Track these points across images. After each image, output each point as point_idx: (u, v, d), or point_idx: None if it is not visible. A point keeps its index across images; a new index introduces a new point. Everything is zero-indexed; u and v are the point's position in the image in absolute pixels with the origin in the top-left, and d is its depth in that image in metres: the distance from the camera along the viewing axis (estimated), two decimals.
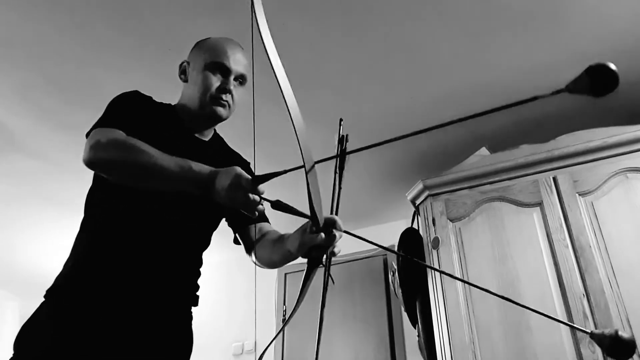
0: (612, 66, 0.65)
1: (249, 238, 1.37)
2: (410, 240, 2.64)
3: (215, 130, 1.43)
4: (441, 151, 2.89)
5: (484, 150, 2.58)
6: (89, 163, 1.06)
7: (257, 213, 1.01)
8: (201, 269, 1.35)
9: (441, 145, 2.86)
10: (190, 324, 1.29)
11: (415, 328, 2.58)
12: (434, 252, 2.39)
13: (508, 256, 2.24)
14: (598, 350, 1.92)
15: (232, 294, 3.87)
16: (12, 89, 2.41)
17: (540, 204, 2.29)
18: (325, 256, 1.02)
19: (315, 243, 1.00)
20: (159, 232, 1.19)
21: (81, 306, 1.10)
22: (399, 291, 2.65)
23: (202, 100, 1.28)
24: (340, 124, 0.99)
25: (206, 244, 1.36)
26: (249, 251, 1.38)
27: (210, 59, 1.29)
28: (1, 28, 2.11)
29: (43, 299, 1.15)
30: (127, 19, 2.08)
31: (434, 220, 2.46)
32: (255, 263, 1.33)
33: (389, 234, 3.47)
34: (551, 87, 2.65)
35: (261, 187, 0.98)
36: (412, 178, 2.81)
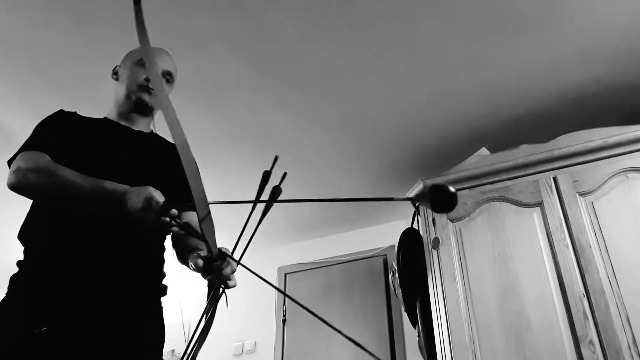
0: (451, 189, 0.72)
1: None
2: (410, 241, 2.64)
3: (152, 130, 1.51)
4: (441, 151, 2.89)
5: (484, 150, 2.58)
6: (10, 187, 1.16)
7: (170, 232, 1.08)
8: (164, 256, 1.36)
9: (441, 145, 2.86)
10: (161, 315, 1.29)
11: (415, 328, 2.58)
12: (434, 252, 2.39)
13: (508, 256, 2.24)
14: (598, 350, 1.93)
15: (232, 294, 3.87)
16: (12, 88, 2.41)
17: (540, 204, 2.29)
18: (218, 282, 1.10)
19: (203, 267, 1.06)
20: (111, 224, 1.19)
21: (39, 303, 1.10)
22: (399, 291, 2.65)
23: (130, 89, 1.41)
24: (274, 161, 1.01)
25: (162, 242, 1.37)
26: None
27: (138, 57, 1.43)
28: (1, 28, 2.11)
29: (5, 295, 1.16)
30: (127, 18, 2.07)
31: (434, 220, 2.46)
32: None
33: (389, 234, 3.48)
34: (552, 86, 2.64)
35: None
36: (412, 178, 2.81)
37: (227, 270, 1.07)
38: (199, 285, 4.00)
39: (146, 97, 1.40)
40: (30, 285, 1.14)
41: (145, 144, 1.40)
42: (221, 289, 1.08)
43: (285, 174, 1.01)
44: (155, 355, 1.24)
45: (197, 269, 1.08)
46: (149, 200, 1.02)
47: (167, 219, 1.02)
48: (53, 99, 2.40)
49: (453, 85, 2.46)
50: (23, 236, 1.24)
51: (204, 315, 1.04)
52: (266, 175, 1.01)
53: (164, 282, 1.33)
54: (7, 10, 2.03)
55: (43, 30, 2.12)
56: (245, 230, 1.04)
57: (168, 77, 1.45)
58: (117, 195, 1.06)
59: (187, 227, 1.06)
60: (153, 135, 1.49)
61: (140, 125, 1.44)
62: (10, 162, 1.27)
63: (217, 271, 1.06)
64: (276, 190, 1.02)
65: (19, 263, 1.20)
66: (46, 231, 1.20)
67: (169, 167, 1.36)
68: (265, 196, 1.01)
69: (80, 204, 1.13)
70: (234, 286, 1.10)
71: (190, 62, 2.22)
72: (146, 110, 1.42)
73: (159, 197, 1.03)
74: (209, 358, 3.68)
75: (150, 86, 1.38)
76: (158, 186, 1.10)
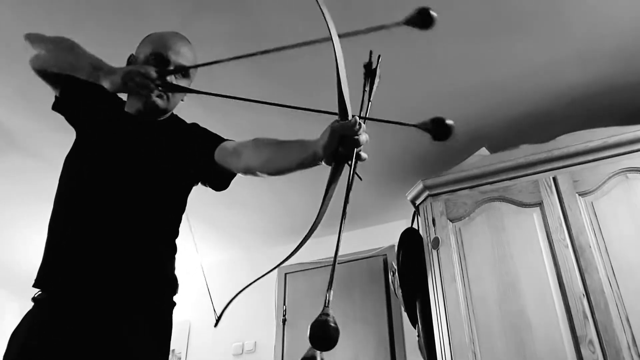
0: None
1: (229, 156, 1.27)
2: (410, 241, 2.64)
3: (172, 112, 1.42)
4: (441, 151, 2.89)
5: (484, 150, 2.58)
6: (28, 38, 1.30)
7: (153, 101, 1.08)
8: (175, 256, 1.30)
9: (441, 145, 2.85)
10: (170, 314, 1.23)
11: (415, 328, 2.58)
12: (434, 252, 2.39)
13: (508, 256, 2.24)
14: (598, 350, 1.93)
15: (232, 294, 3.87)
16: (12, 89, 2.41)
17: (540, 204, 2.29)
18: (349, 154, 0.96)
19: (347, 128, 0.93)
20: (119, 219, 1.17)
21: (49, 306, 1.10)
22: (399, 291, 2.65)
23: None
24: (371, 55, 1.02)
25: (173, 229, 1.31)
26: (237, 168, 1.27)
27: (151, 50, 1.31)
28: (1, 28, 2.11)
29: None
30: (127, 18, 2.08)
31: (434, 220, 2.46)
32: (251, 173, 1.23)
33: (389, 234, 3.47)
34: (552, 86, 2.64)
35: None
36: (412, 178, 2.81)
37: (363, 137, 0.93)
38: (198, 284, 4.00)
39: (158, 102, 1.28)
40: (44, 285, 1.14)
41: (156, 132, 1.33)
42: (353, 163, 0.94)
43: (378, 56, 1.02)
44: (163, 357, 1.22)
45: (333, 139, 0.93)
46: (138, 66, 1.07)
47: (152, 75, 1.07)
48: (53, 99, 2.40)
49: (453, 85, 2.46)
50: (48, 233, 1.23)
51: (327, 193, 0.93)
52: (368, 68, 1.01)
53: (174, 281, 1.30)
54: (6, 10, 2.03)
55: (43, 30, 2.11)
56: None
57: (183, 72, 1.32)
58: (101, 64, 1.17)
59: (174, 86, 1.11)
60: (170, 121, 1.40)
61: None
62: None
63: (353, 137, 0.92)
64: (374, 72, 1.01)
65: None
66: (59, 230, 1.19)
67: (187, 147, 1.31)
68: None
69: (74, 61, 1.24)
70: (365, 159, 0.96)
71: None
72: (158, 113, 1.33)
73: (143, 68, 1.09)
74: (209, 358, 3.69)
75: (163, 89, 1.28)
76: (175, 172, 1.14)
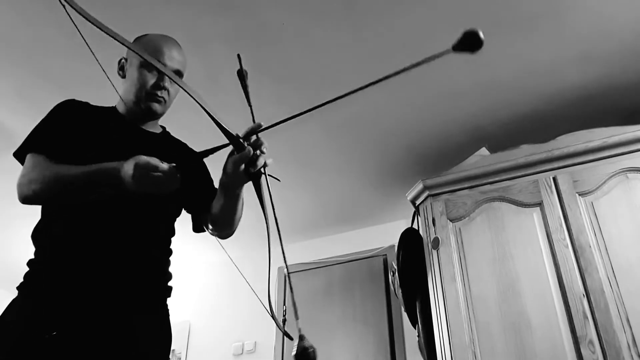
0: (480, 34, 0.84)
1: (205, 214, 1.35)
2: (410, 241, 2.64)
3: (164, 128, 1.46)
4: (441, 151, 2.89)
5: (484, 150, 2.58)
6: (22, 202, 1.18)
7: (178, 183, 1.03)
8: (170, 258, 1.33)
9: (441, 145, 2.86)
10: (166, 317, 1.25)
11: (415, 328, 2.58)
12: (434, 252, 2.39)
13: (508, 256, 2.24)
14: (598, 350, 1.93)
15: (232, 294, 3.87)
16: (12, 88, 2.41)
17: (540, 204, 2.29)
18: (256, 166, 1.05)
19: (244, 160, 1.02)
20: (115, 223, 1.18)
21: (43, 305, 1.10)
22: (399, 291, 2.65)
23: (138, 97, 1.31)
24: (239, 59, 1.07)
25: (168, 231, 1.34)
26: (206, 226, 1.36)
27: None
28: (1, 27, 2.11)
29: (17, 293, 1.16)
30: (127, 18, 2.08)
31: (434, 220, 2.46)
32: (215, 234, 1.35)
33: (389, 234, 3.47)
34: (552, 86, 2.64)
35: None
36: (412, 178, 2.81)
37: (261, 159, 1.03)
38: (199, 284, 3.99)
39: (155, 107, 1.31)
40: (39, 286, 1.14)
41: (157, 146, 1.35)
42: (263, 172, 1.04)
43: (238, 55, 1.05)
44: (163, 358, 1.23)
45: (236, 173, 1.03)
46: (138, 159, 1.01)
47: (164, 168, 1.01)
48: (53, 99, 2.39)
49: (453, 85, 2.46)
50: (35, 236, 1.22)
51: (263, 208, 1.02)
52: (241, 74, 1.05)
53: (170, 283, 1.32)
54: (7, 9, 2.03)
55: (43, 29, 2.12)
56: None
57: (177, 76, 1.34)
58: (112, 171, 1.04)
59: (203, 153, 1.06)
60: (164, 135, 1.44)
61: (150, 126, 1.39)
62: (15, 155, 1.30)
63: (253, 161, 1.01)
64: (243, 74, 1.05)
65: (29, 262, 1.19)
66: (57, 232, 1.19)
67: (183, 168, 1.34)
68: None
69: (82, 193, 1.12)
70: (271, 163, 1.05)
71: (189, 61, 2.22)
72: (155, 117, 1.36)
73: (152, 161, 1.01)
74: (209, 358, 3.68)
75: (159, 94, 1.31)
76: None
